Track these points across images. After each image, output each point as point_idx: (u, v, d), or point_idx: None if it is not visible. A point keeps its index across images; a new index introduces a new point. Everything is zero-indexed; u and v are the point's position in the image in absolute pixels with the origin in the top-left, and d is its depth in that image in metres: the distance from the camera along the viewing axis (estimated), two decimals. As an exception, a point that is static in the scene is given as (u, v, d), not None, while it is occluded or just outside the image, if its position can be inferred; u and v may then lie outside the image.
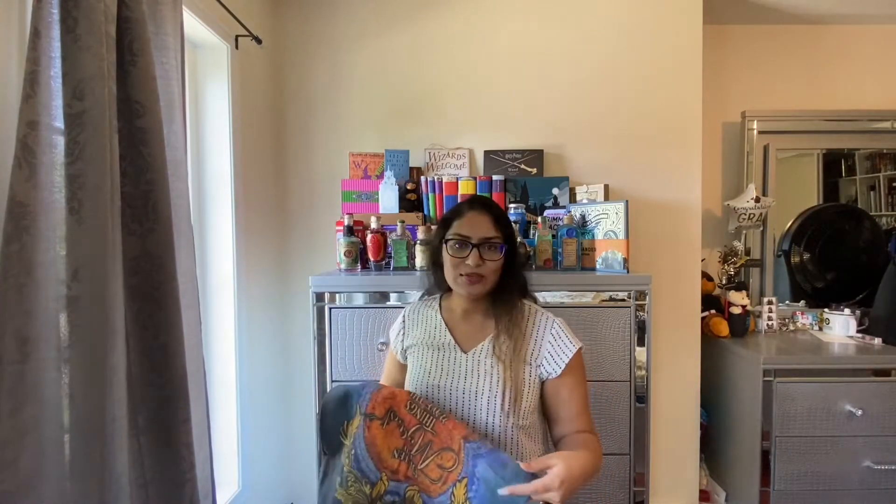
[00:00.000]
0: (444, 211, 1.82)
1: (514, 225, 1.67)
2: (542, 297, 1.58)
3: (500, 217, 1.06)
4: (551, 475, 0.83)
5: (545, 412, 1.09)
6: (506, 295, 1.06)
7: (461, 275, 1.02)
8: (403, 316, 1.17)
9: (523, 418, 1.02)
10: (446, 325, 1.10)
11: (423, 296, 1.21)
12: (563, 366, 1.02)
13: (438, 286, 1.14)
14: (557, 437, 1.06)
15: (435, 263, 1.12)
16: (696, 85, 1.98)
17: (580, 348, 1.04)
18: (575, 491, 0.85)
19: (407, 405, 0.98)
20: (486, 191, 1.84)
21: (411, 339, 1.12)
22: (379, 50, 2.04)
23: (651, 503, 1.75)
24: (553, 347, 1.03)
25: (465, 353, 1.06)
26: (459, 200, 1.82)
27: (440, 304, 1.13)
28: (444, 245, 1.05)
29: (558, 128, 2.02)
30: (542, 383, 1.05)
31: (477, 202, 1.08)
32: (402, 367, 1.15)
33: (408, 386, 1.10)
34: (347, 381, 1.57)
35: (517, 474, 0.86)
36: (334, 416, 1.03)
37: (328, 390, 1.06)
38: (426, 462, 0.95)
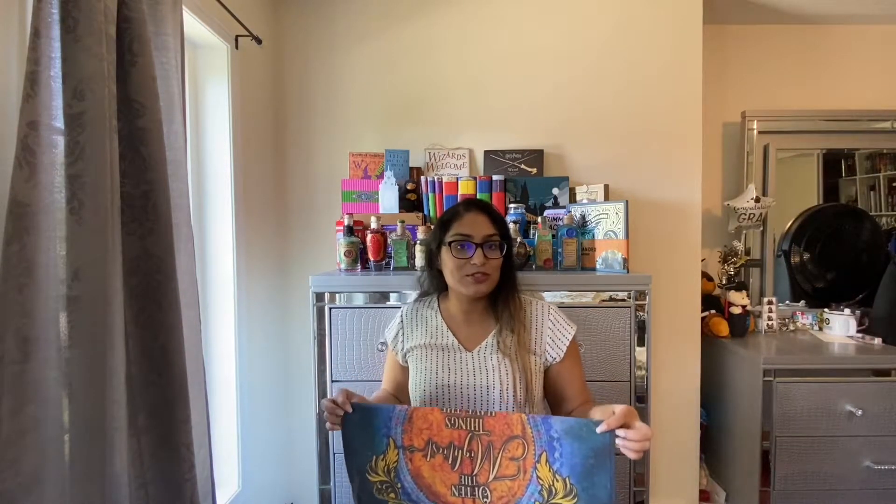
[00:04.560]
0: (444, 211, 1.81)
1: (514, 224, 1.69)
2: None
3: (496, 216, 1.07)
4: (623, 408, 0.83)
5: (548, 395, 1.11)
6: (504, 292, 1.07)
7: (467, 275, 1.02)
8: (401, 316, 1.16)
9: (535, 407, 1.05)
10: (447, 325, 1.10)
11: (418, 297, 1.19)
12: (564, 350, 1.06)
13: (436, 288, 1.14)
14: (564, 414, 1.07)
15: (431, 266, 1.12)
16: (696, 85, 1.98)
17: (574, 333, 1.08)
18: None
19: (446, 423, 0.92)
20: (486, 191, 1.84)
21: (412, 342, 1.12)
22: (379, 50, 2.04)
23: (651, 503, 1.75)
24: (553, 333, 1.07)
25: (470, 351, 1.07)
26: (458, 201, 1.83)
27: (439, 305, 1.13)
28: (444, 248, 1.05)
29: (558, 128, 2.02)
30: (546, 369, 1.08)
31: (473, 203, 1.09)
32: (404, 369, 1.15)
33: (413, 387, 1.10)
34: (347, 382, 1.58)
35: (590, 424, 0.85)
36: (358, 452, 0.97)
37: (345, 419, 0.96)
38: (497, 465, 0.90)
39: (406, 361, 1.14)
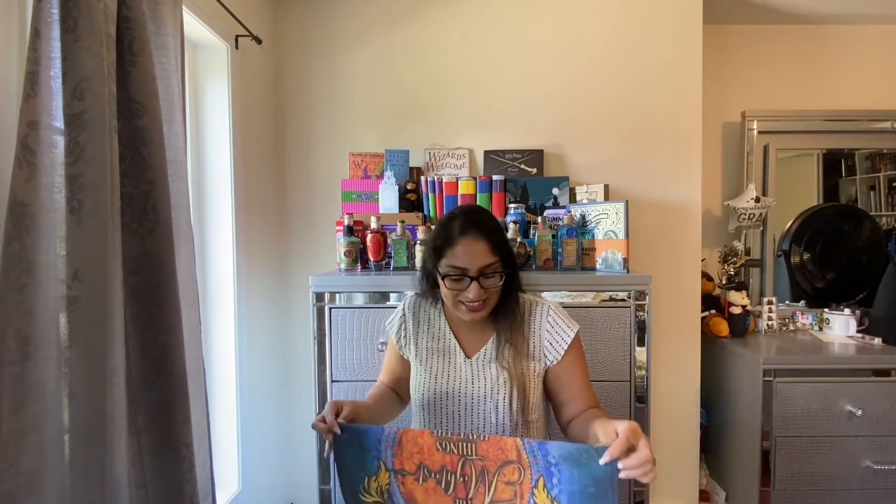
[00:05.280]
0: (444, 211, 1.79)
1: (514, 224, 1.69)
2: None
3: (495, 237, 0.98)
4: (626, 428, 0.75)
5: (549, 399, 1.09)
6: (505, 305, 1.03)
7: (461, 302, 0.97)
8: (403, 309, 1.14)
9: (532, 413, 1.03)
10: (450, 327, 1.08)
11: (420, 293, 1.13)
12: (562, 351, 1.02)
13: (435, 297, 1.09)
14: (566, 420, 1.03)
15: (427, 277, 1.06)
16: (696, 85, 1.98)
17: (577, 332, 1.03)
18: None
19: (437, 447, 0.89)
20: (486, 191, 1.84)
21: (414, 340, 1.10)
22: (379, 50, 2.04)
23: (651, 503, 1.75)
24: (551, 336, 1.03)
25: (469, 358, 1.05)
26: (459, 201, 1.83)
27: (442, 305, 1.10)
28: (437, 273, 0.99)
29: (558, 128, 2.02)
30: (546, 371, 1.05)
31: (469, 226, 0.96)
32: (404, 362, 1.14)
33: (413, 388, 1.09)
34: (347, 382, 1.58)
35: (590, 451, 0.78)
36: (351, 472, 0.95)
37: (335, 437, 0.92)
38: (492, 489, 0.87)
39: (406, 356, 1.13)
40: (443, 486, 0.89)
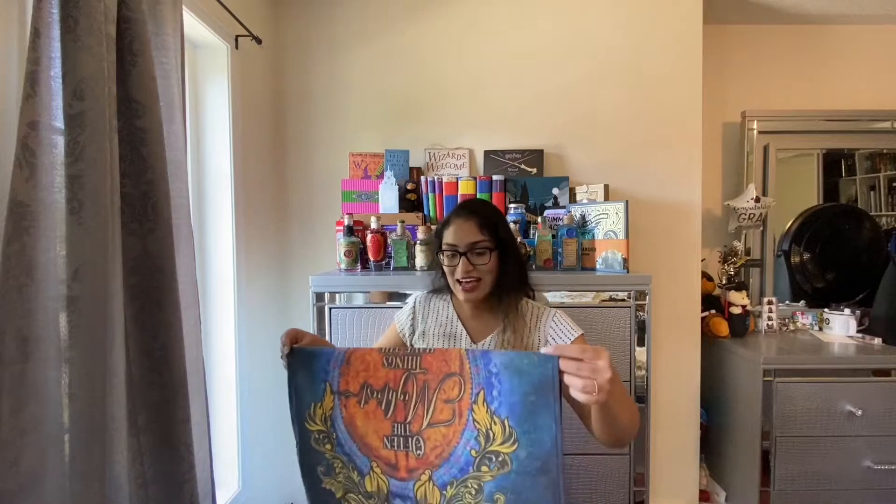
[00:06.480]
0: (445, 211, 1.85)
1: (514, 224, 1.69)
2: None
3: (486, 220, 1.06)
4: (590, 347, 0.74)
5: (576, 410, 1.05)
6: (505, 292, 1.07)
7: (458, 281, 1.04)
8: (414, 302, 1.19)
9: None
10: (458, 316, 1.13)
11: (431, 290, 1.20)
12: (569, 342, 1.03)
13: (447, 288, 1.15)
14: (588, 418, 0.98)
15: (440, 267, 1.14)
16: (696, 85, 1.98)
17: (582, 334, 1.05)
18: (611, 394, 0.72)
19: (384, 362, 0.89)
20: (486, 191, 1.84)
21: (423, 327, 1.15)
22: (379, 50, 2.04)
23: (651, 503, 1.75)
24: (555, 332, 1.06)
25: (475, 343, 1.10)
26: (460, 200, 1.83)
27: (451, 299, 1.16)
28: (439, 256, 1.09)
29: (558, 128, 2.02)
30: None
31: (463, 208, 1.09)
32: (399, 343, 1.18)
33: None
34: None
35: (531, 356, 0.77)
36: (300, 399, 0.97)
37: (289, 363, 0.96)
38: (431, 409, 0.86)
39: (411, 343, 1.16)
40: (383, 407, 0.90)
